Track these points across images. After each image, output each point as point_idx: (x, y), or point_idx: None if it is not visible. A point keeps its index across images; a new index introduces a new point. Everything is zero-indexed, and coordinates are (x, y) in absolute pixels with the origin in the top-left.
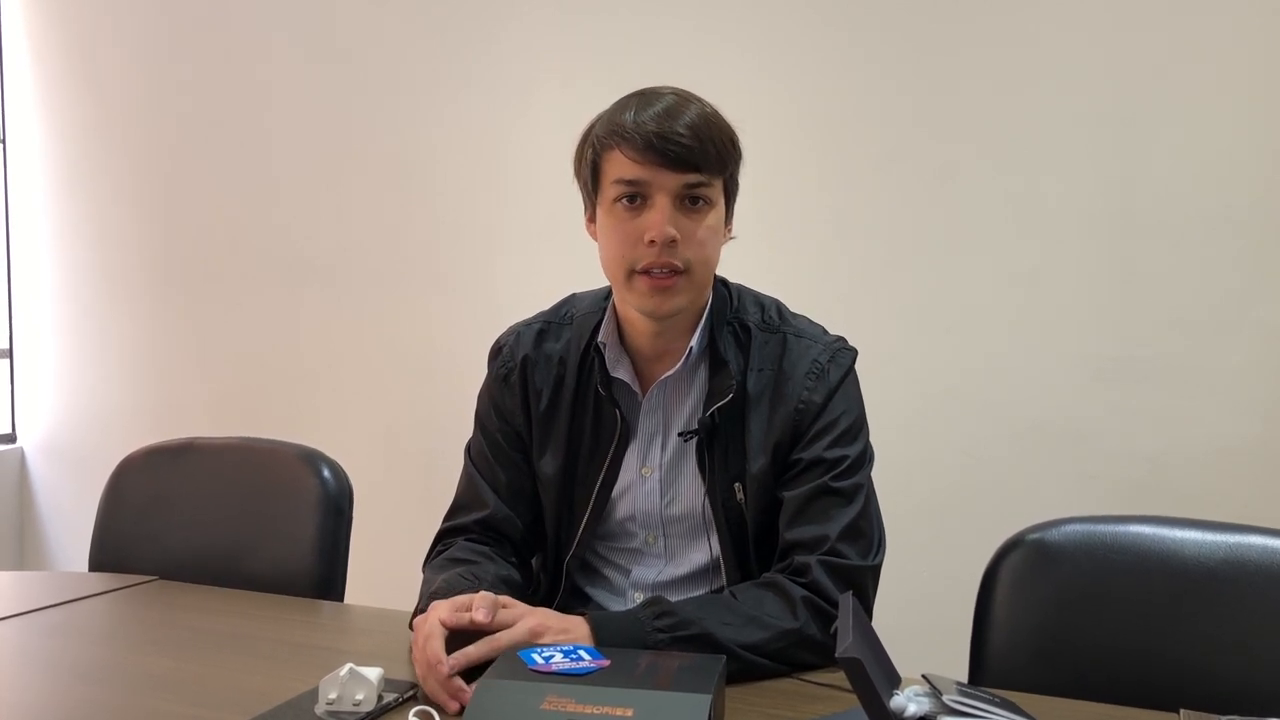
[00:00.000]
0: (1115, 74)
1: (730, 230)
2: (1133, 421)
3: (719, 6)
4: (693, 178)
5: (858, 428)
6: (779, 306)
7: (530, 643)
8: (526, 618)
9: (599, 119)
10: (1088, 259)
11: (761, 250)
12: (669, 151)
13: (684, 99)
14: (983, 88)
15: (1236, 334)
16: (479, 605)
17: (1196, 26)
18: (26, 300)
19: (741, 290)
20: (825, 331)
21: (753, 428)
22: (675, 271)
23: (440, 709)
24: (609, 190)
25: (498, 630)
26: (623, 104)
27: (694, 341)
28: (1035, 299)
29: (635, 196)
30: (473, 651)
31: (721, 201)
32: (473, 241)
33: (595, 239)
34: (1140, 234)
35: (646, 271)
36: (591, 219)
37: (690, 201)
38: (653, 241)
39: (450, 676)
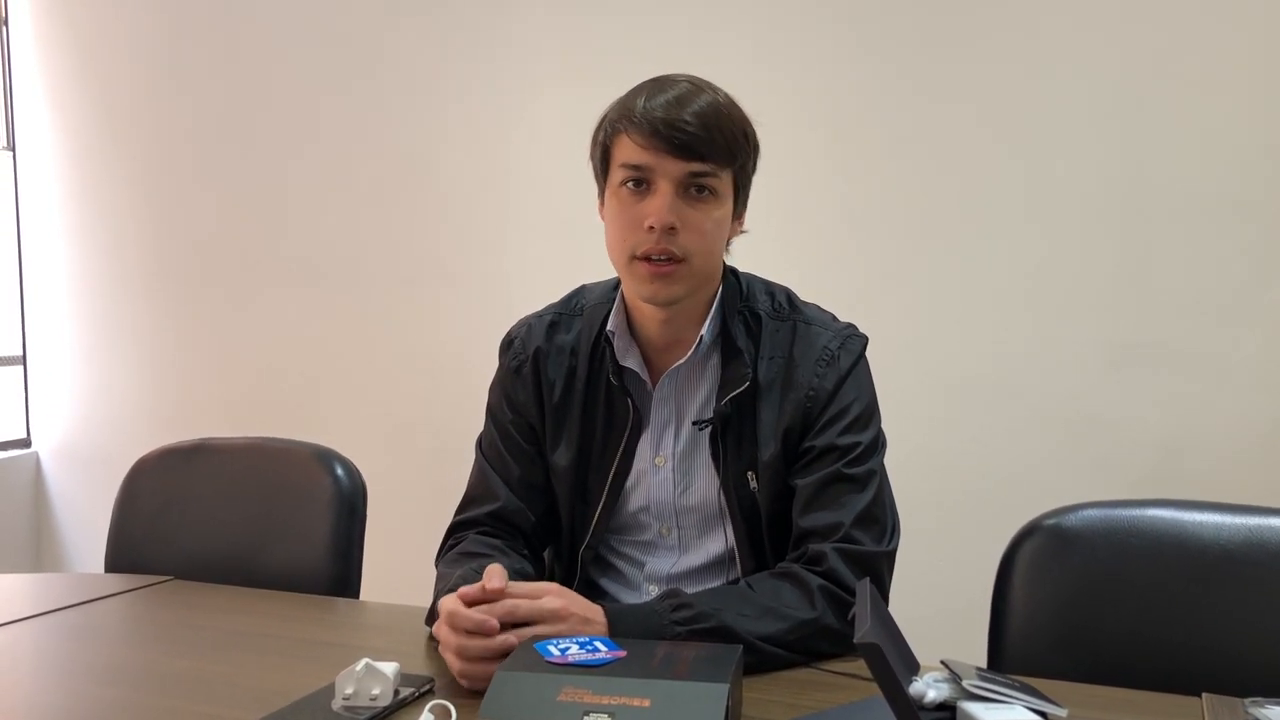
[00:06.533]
0: (1125, 61)
1: (742, 224)
2: (1147, 408)
3: (723, 1)
4: (697, 166)
5: (869, 414)
6: (789, 294)
7: (551, 622)
8: (551, 595)
9: (614, 104)
10: (1100, 246)
11: (773, 243)
12: (674, 139)
13: (698, 87)
14: (992, 77)
15: (1250, 319)
16: (492, 575)
17: (1206, 13)
18: (39, 307)
19: (751, 279)
20: (835, 319)
21: (764, 415)
22: (673, 259)
23: (457, 705)
24: (616, 174)
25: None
26: (637, 90)
27: (704, 330)
28: (1048, 287)
29: (640, 182)
30: (491, 611)
31: (730, 194)
32: (481, 239)
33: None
34: (1153, 220)
35: (646, 258)
36: (603, 203)
37: (696, 190)
38: (652, 227)
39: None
